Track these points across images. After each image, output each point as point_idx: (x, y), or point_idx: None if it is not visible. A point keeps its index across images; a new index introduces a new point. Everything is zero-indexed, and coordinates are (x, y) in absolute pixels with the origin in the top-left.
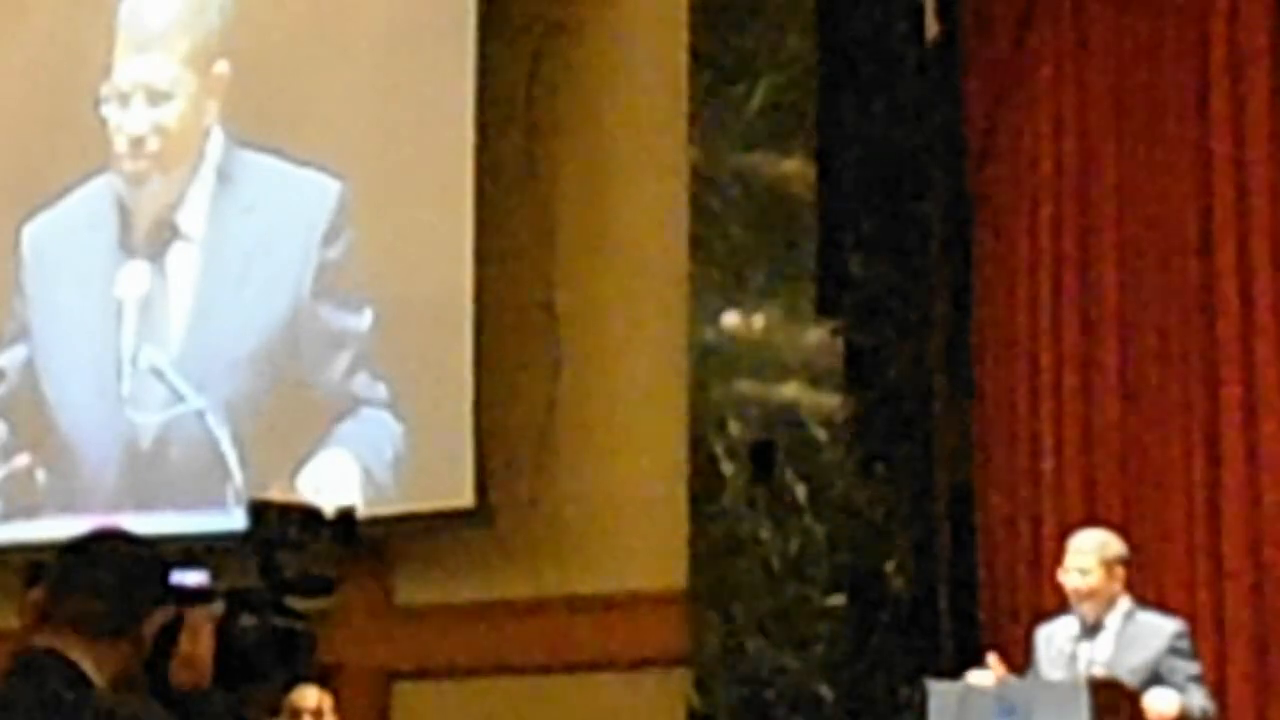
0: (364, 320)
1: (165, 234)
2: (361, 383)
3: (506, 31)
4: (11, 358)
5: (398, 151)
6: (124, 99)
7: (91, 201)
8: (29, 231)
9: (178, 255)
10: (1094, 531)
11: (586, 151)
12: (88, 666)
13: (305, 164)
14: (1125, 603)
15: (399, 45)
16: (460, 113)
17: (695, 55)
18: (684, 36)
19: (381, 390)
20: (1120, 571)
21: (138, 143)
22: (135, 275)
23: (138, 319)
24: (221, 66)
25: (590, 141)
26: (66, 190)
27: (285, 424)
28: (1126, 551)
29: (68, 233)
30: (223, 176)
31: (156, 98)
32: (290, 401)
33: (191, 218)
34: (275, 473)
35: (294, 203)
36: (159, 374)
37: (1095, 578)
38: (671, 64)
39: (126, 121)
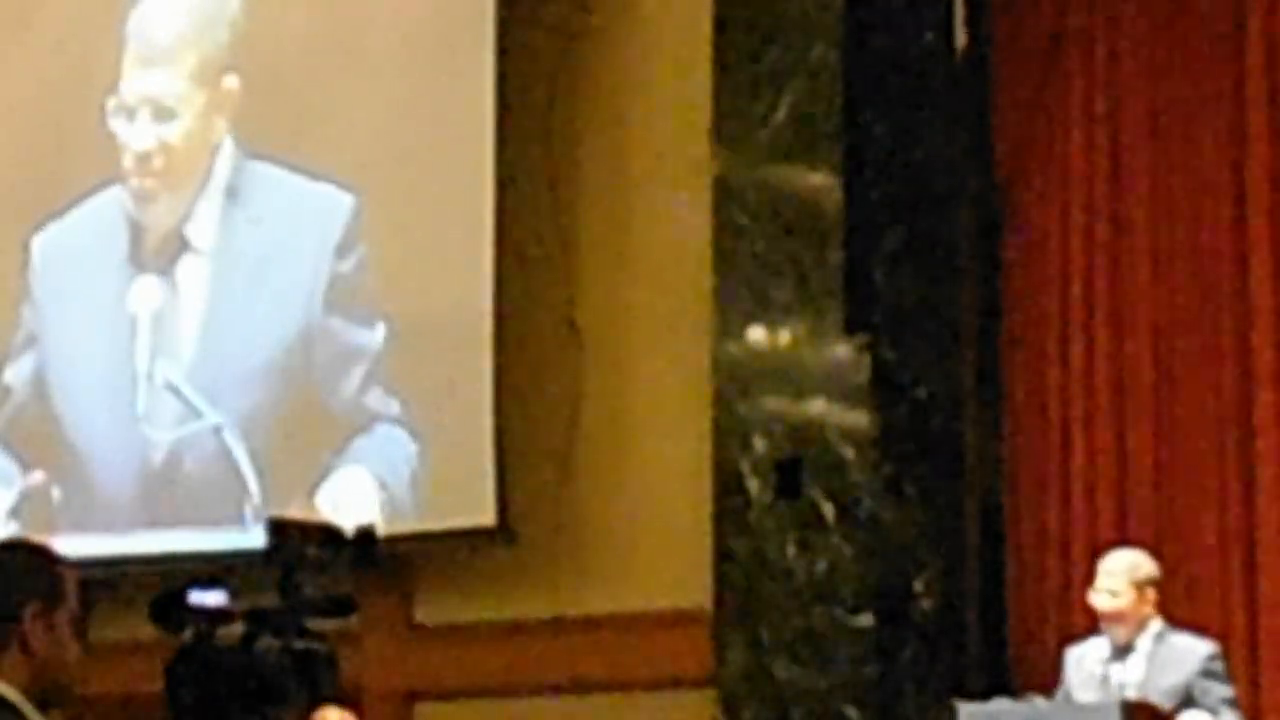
0: (379, 335)
1: (174, 247)
2: (376, 398)
3: (527, 42)
4: (19, 369)
5: (416, 165)
6: (130, 113)
7: (101, 213)
8: (39, 242)
9: (187, 268)
10: (1125, 552)
11: (609, 164)
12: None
13: (318, 178)
14: (1157, 624)
15: (417, 58)
16: (480, 125)
17: (719, 67)
18: (708, 47)
19: (397, 406)
20: (1151, 593)
21: (144, 159)
22: (149, 289)
23: (152, 334)
24: (231, 81)
25: (612, 154)
26: (76, 201)
27: (300, 440)
28: (1158, 573)
29: (77, 244)
30: (232, 190)
31: (162, 114)
32: (304, 417)
33: (201, 231)
34: (292, 489)
35: (305, 216)
36: (175, 390)
37: (1126, 599)
38: (695, 75)
39: (133, 136)
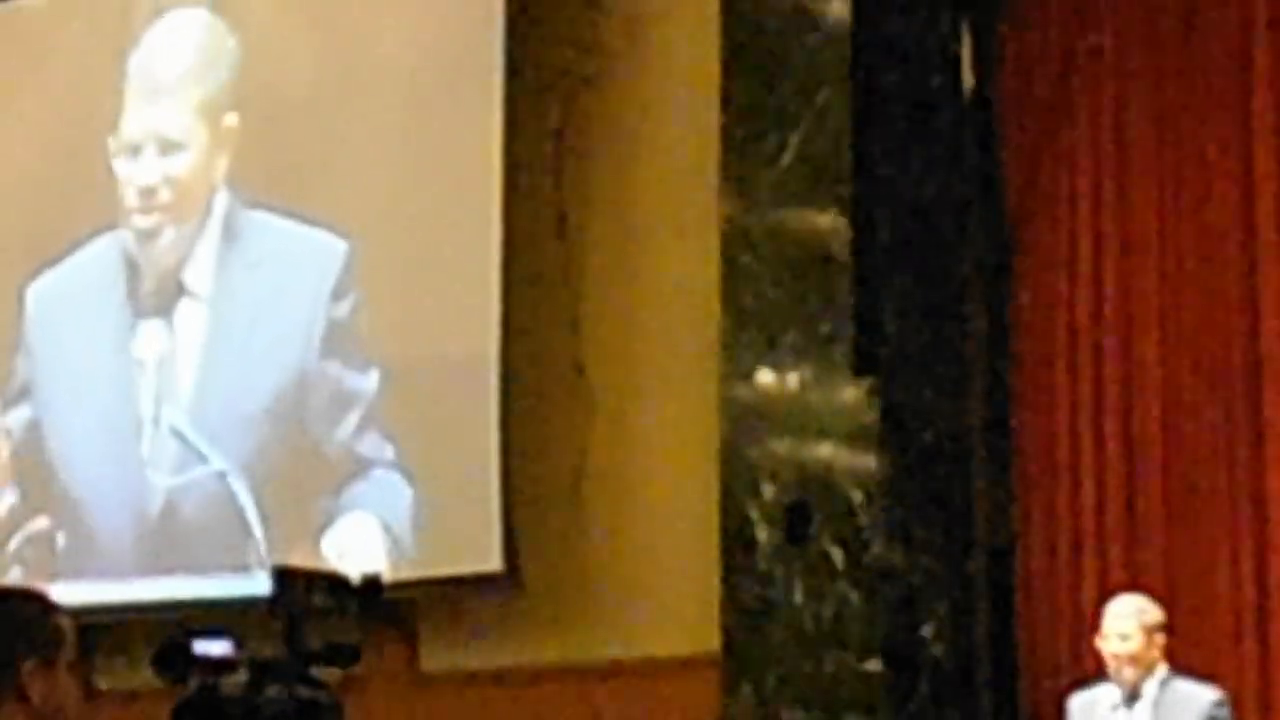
0: (375, 380)
1: (173, 292)
2: (373, 443)
3: (534, 86)
4: (15, 419)
5: (423, 210)
6: (135, 150)
7: (98, 259)
8: (34, 291)
9: (185, 314)
10: (1131, 597)
11: (616, 207)
12: None
13: (316, 223)
14: (1163, 670)
15: (424, 102)
16: (487, 169)
17: (727, 109)
18: (715, 90)
19: (393, 451)
20: (1159, 638)
21: (149, 193)
22: (155, 334)
23: (157, 379)
24: (231, 119)
25: (620, 197)
26: (70, 249)
27: (298, 485)
28: (1164, 618)
29: (74, 291)
30: (229, 232)
31: (168, 147)
32: (300, 462)
33: (198, 275)
34: (294, 535)
35: (301, 261)
36: (180, 435)
37: (1136, 643)
38: (703, 118)
39: (137, 173)
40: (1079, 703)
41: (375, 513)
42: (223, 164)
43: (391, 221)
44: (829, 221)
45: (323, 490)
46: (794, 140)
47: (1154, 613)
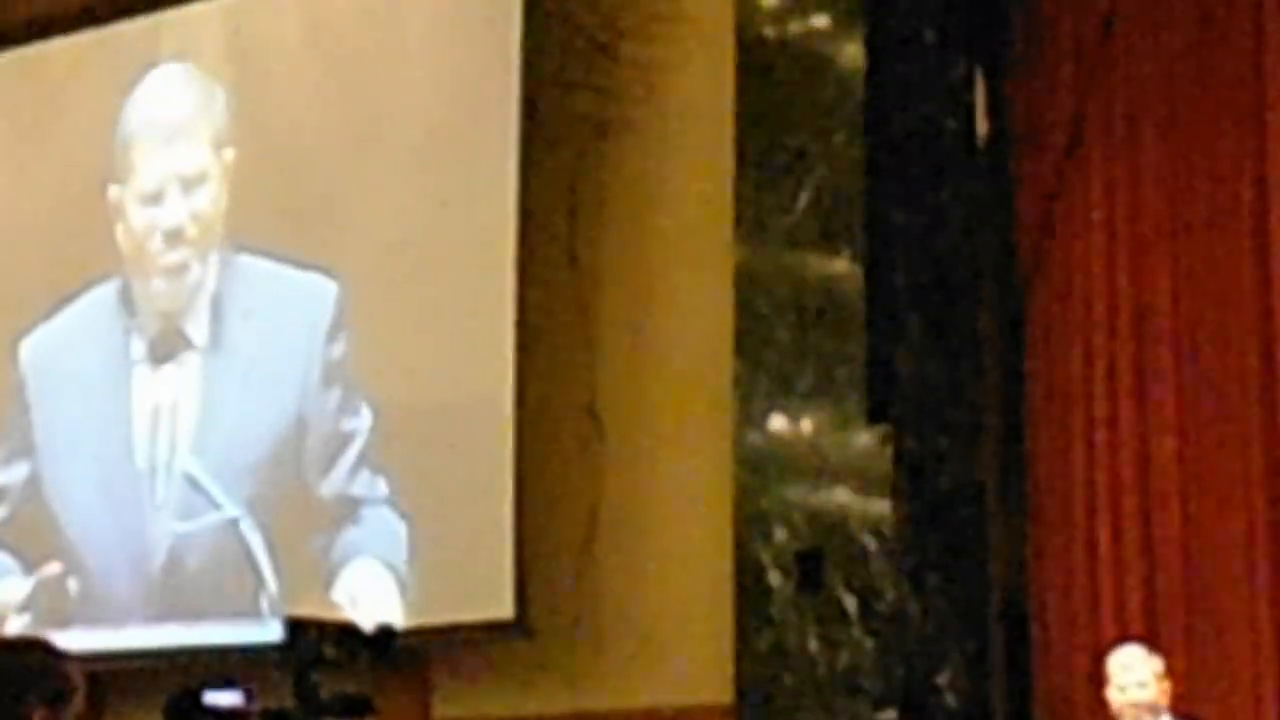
0: (384, 423)
1: (174, 340)
2: (372, 484)
3: (550, 132)
4: (12, 476)
5: (436, 253)
6: (156, 197)
7: (96, 310)
8: (27, 346)
9: (186, 362)
10: (1133, 647)
11: (630, 253)
12: None
13: (316, 267)
14: (1167, 718)
15: (440, 146)
16: (502, 214)
17: (741, 154)
18: (730, 136)
19: (405, 496)
20: (1167, 686)
21: (175, 235)
22: (161, 382)
23: (171, 425)
24: (229, 154)
25: (634, 242)
26: (63, 303)
27: (297, 529)
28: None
29: (72, 343)
30: (223, 279)
31: (190, 184)
32: (299, 505)
33: (197, 324)
34: (301, 581)
35: (294, 305)
36: (194, 481)
37: (1154, 690)
38: (717, 163)
39: (162, 216)
40: None
41: (387, 559)
42: (225, 199)
43: (404, 265)
44: (843, 267)
45: (318, 529)
46: (807, 186)
47: (1158, 660)
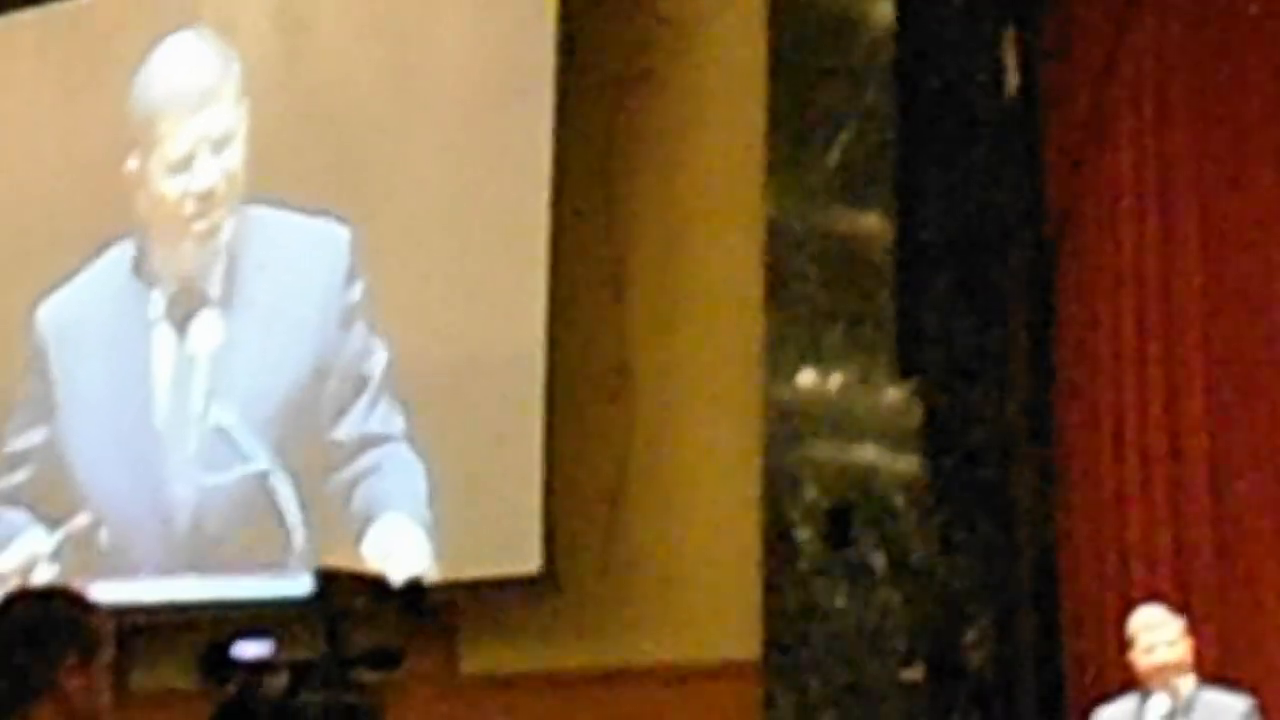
0: (420, 377)
1: (196, 296)
2: (398, 424)
3: (584, 87)
4: (33, 439)
5: (469, 207)
6: (186, 163)
7: (111, 271)
8: (45, 310)
9: (205, 316)
10: (1155, 608)
11: (662, 208)
12: None
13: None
14: (1192, 680)
15: (475, 101)
16: (537, 168)
17: (773, 110)
18: (761, 91)
19: (437, 450)
20: (1190, 644)
21: (207, 197)
22: (185, 337)
23: (194, 381)
24: (243, 106)
25: (666, 197)
26: (80, 266)
27: (326, 476)
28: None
29: (90, 305)
30: (237, 233)
31: (220, 144)
32: (319, 451)
33: (215, 280)
34: (331, 534)
35: (308, 253)
36: (224, 434)
37: (1182, 649)
38: (749, 119)
39: (194, 181)
40: (1107, 717)
41: (405, 510)
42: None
43: (437, 218)
44: (873, 223)
45: (340, 473)
46: (839, 141)
47: (1180, 621)
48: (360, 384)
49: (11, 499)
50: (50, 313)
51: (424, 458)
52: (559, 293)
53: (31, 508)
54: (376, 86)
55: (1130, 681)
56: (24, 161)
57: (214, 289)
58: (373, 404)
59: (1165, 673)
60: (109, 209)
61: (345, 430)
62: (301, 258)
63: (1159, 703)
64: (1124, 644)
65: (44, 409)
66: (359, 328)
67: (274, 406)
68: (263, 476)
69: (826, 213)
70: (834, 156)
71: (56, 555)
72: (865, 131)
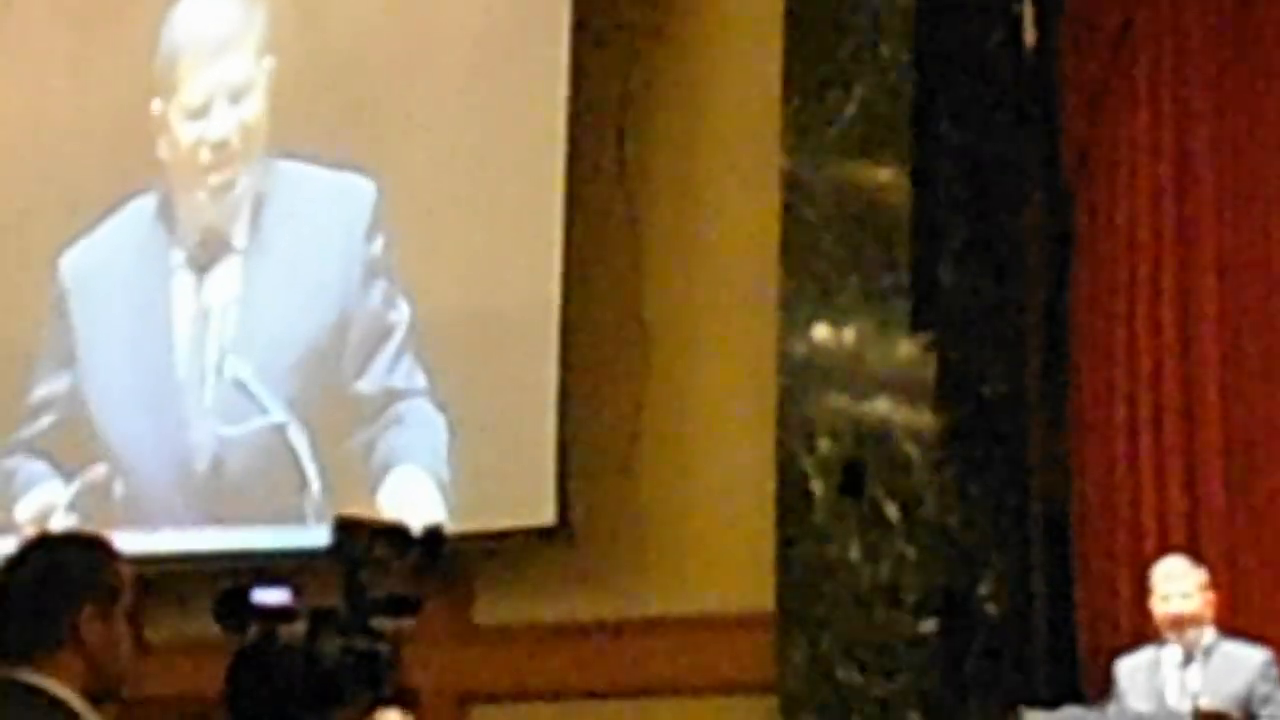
0: (435, 329)
1: (218, 246)
2: (419, 379)
3: (600, 40)
4: (55, 387)
5: (485, 159)
6: (203, 110)
7: (135, 221)
8: (68, 259)
9: (228, 267)
10: (1176, 558)
11: (678, 161)
12: (51, 686)
13: (357, 170)
14: (1212, 631)
15: (491, 54)
16: (552, 121)
17: (789, 63)
18: (777, 44)
19: (451, 402)
20: (1211, 597)
21: (221, 147)
22: (207, 286)
23: (214, 330)
24: (269, 62)
25: (682, 150)
26: (104, 215)
27: (346, 429)
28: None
29: (112, 254)
30: (263, 184)
31: (237, 95)
32: (340, 404)
33: (240, 230)
34: (343, 485)
35: (332, 206)
36: (242, 386)
37: (1198, 601)
38: (765, 72)
39: (209, 129)
40: (1128, 667)
41: (429, 465)
42: (265, 107)
43: (454, 171)
44: (889, 176)
45: (361, 426)
46: (855, 95)
47: (1203, 572)
48: (383, 337)
49: (34, 448)
50: (72, 261)
51: (440, 410)
52: (575, 246)
53: (51, 457)
54: (388, 40)
55: (1142, 632)
56: (45, 108)
57: (239, 239)
58: (396, 358)
59: (1182, 623)
60: (132, 158)
61: (368, 384)
62: (325, 211)
63: (1173, 653)
64: (1136, 595)
65: (67, 357)
66: (380, 282)
67: (295, 357)
68: (280, 428)
69: (842, 167)
70: (850, 110)
71: (73, 506)
72: (882, 85)
